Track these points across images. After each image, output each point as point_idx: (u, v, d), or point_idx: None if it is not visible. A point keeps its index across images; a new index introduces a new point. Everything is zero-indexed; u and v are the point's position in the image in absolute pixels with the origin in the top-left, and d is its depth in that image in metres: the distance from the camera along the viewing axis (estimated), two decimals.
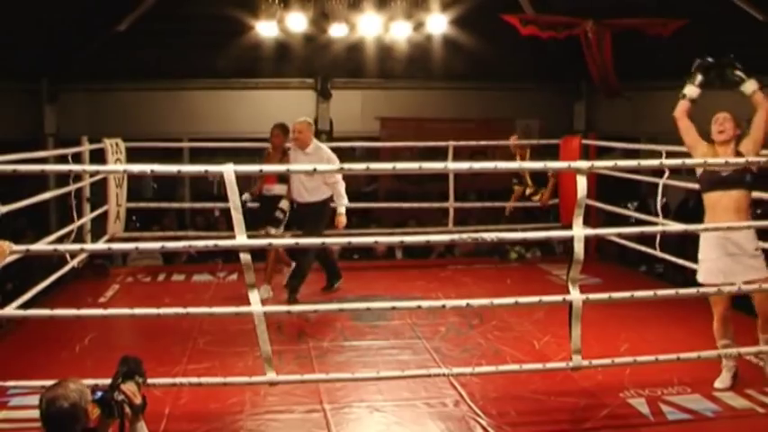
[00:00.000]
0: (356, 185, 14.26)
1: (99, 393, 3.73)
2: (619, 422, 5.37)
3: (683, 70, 6.10)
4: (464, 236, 5.78)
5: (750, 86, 6.04)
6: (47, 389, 3.58)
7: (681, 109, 6.30)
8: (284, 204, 8.47)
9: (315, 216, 8.39)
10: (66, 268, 8.09)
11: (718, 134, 6.01)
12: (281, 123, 8.77)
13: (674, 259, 8.31)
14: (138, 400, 3.80)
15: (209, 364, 6.36)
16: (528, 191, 10.17)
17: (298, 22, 11.27)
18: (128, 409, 3.76)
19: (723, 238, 5.63)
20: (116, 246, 5.53)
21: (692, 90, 6.30)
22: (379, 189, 14.04)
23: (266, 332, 5.25)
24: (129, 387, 3.79)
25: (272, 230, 8.41)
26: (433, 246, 11.34)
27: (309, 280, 8.45)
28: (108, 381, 3.81)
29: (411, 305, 6.33)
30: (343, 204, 8.42)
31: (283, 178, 8.46)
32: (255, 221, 8.06)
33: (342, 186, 8.38)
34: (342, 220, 8.43)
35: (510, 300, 5.71)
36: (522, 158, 9.87)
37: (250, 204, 8.52)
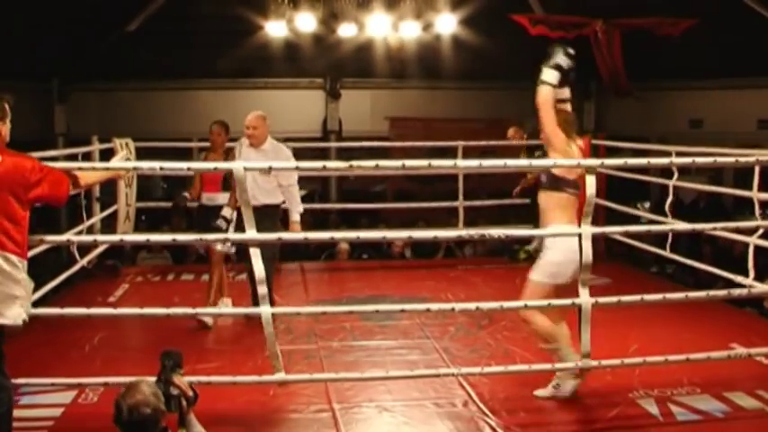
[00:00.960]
0: (365, 185, 14.32)
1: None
2: (628, 422, 5.36)
3: (693, 70, 6.07)
4: (472, 232, 5.77)
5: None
6: (123, 395, 3.60)
7: (548, 96, 6.04)
8: (227, 212, 7.42)
9: (271, 220, 7.42)
10: (76, 267, 8.10)
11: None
12: (220, 120, 8.19)
13: (684, 260, 8.28)
14: (190, 393, 3.82)
15: (219, 364, 6.36)
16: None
17: (307, 22, 11.28)
18: (184, 403, 3.78)
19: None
20: (130, 237, 5.55)
21: (551, 75, 6.13)
22: (388, 189, 14.04)
23: (274, 333, 5.25)
24: (181, 380, 3.81)
25: (218, 245, 7.29)
26: (442, 244, 11.32)
27: (319, 279, 8.44)
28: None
29: (420, 307, 6.31)
30: (297, 211, 7.58)
31: (227, 185, 7.52)
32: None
33: (297, 191, 7.65)
34: (297, 229, 7.50)
35: (519, 303, 5.69)
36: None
37: (190, 204, 7.92)
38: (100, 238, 5.05)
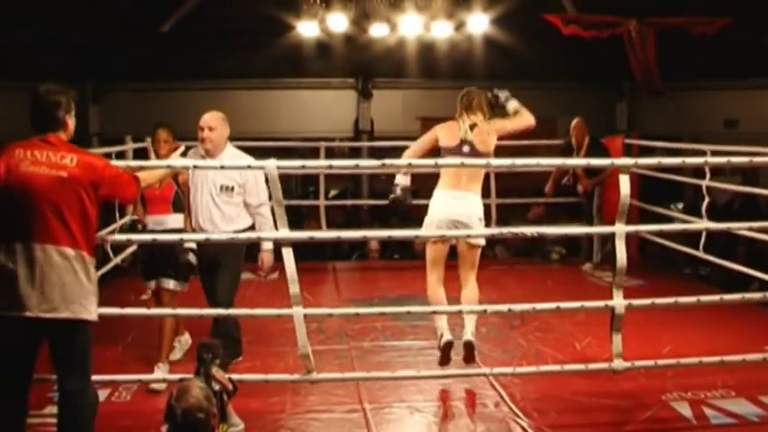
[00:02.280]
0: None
1: None
2: (661, 425, 5.33)
3: (727, 69, 6.04)
4: (504, 230, 5.76)
5: (512, 106, 6.73)
6: (176, 398, 3.66)
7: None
8: (191, 243, 6.01)
9: (235, 253, 6.24)
10: (110, 265, 8.16)
11: None
12: (165, 124, 6.80)
13: (718, 261, 8.21)
14: (230, 386, 3.85)
15: (251, 364, 6.38)
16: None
17: (339, 22, 11.29)
18: (225, 397, 3.81)
19: None
20: (163, 237, 5.57)
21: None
22: (420, 188, 14.01)
23: (305, 334, 5.25)
24: (220, 375, 3.84)
25: (172, 284, 6.22)
26: None
27: (350, 279, 8.42)
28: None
29: (452, 309, 6.31)
30: (269, 239, 6.10)
31: (179, 205, 6.32)
32: (148, 271, 6.34)
33: (269, 212, 6.07)
34: (267, 259, 6.31)
35: (551, 305, 5.67)
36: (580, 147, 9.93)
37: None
38: (134, 237, 5.08)
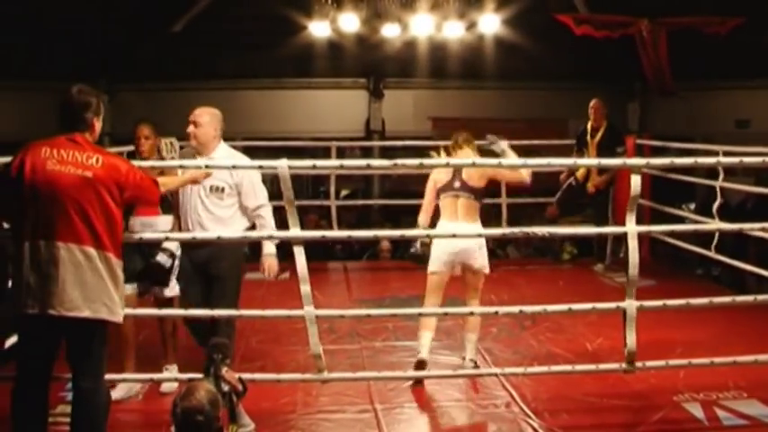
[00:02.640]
0: (407, 185, 14.29)
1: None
2: (672, 426, 5.32)
3: (739, 69, 6.03)
4: (515, 230, 5.76)
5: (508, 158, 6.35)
6: (181, 396, 3.67)
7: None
8: (171, 243, 5.71)
9: (230, 262, 5.78)
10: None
11: None
12: (146, 119, 6.32)
13: (730, 261, 8.18)
14: (240, 387, 3.85)
15: (262, 363, 6.39)
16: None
17: (350, 22, 11.30)
18: (234, 398, 3.81)
19: None
20: (182, 236, 5.56)
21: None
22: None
23: (317, 333, 5.26)
24: (230, 375, 3.84)
25: (157, 290, 5.97)
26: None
27: (361, 279, 8.42)
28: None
29: (464, 310, 6.30)
30: (273, 241, 5.81)
31: (168, 206, 5.88)
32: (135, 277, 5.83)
33: (270, 213, 5.81)
34: (272, 264, 5.85)
35: (563, 307, 5.66)
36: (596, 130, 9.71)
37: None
38: (146, 236, 5.09)
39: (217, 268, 5.73)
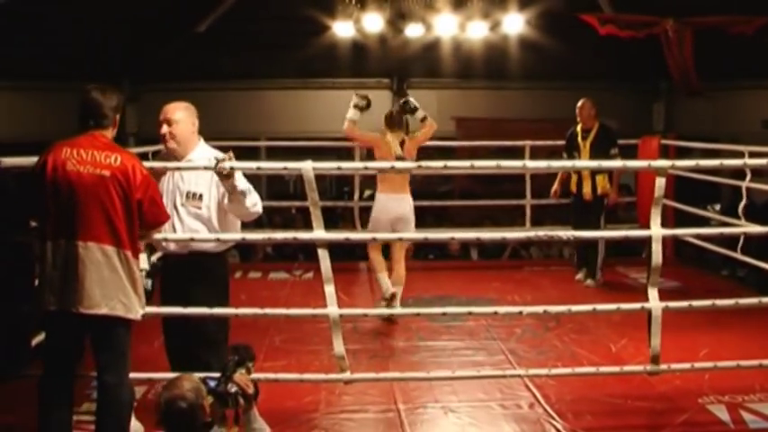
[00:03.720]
0: (431, 185, 14.31)
1: (212, 383, 3.82)
2: (697, 429, 5.29)
3: (766, 69, 5.98)
4: (540, 233, 5.75)
5: (420, 114, 8.32)
6: (163, 388, 3.76)
7: (349, 128, 8.34)
8: (143, 261, 4.79)
9: (209, 280, 5.18)
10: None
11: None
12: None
13: (756, 263, 8.13)
14: (250, 390, 3.88)
15: (285, 362, 6.42)
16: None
17: (374, 22, 11.30)
18: (242, 400, 3.84)
19: None
20: (200, 236, 5.52)
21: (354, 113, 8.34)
22: (454, 189, 14.00)
23: (341, 334, 5.27)
24: (241, 377, 3.87)
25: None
26: (508, 244, 11.28)
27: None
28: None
29: (488, 310, 6.30)
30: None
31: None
32: None
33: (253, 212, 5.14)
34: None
35: (588, 307, 5.65)
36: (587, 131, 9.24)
37: None
38: (170, 236, 5.10)
39: (196, 291, 5.10)
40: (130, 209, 4.51)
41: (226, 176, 4.88)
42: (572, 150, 9.11)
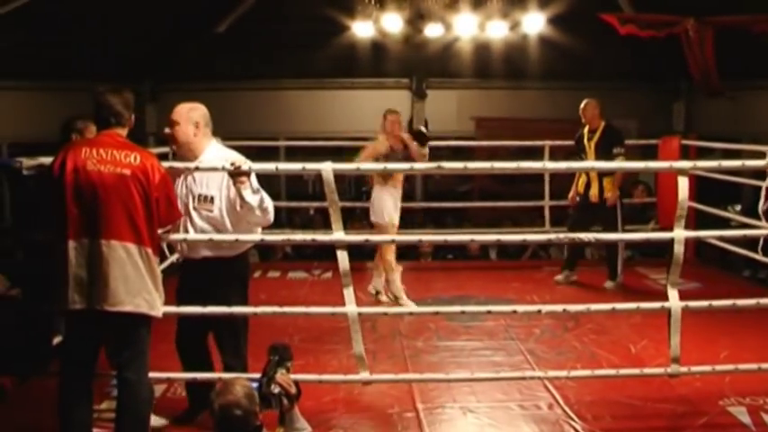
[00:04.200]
0: (451, 185, 14.31)
1: (255, 384, 3.83)
2: (718, 431, 5.25)
3: None
4: (561, 235, 5.73)
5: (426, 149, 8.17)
6: (217, 393, 3.75)
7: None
8: None
9: (225, 284, 5.17)
10: (167, 263, 8.24)
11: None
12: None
13: None
14: (293, 390, 3.89)
15: (304, 362, 6.41)
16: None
17: (394, 22, 11.31)
18: (285, 401, 3.85)
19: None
20: (219, 237, 5.46)
21: None
22: (474, 189, 13.98)
23: (360, 332, 5.29)
24: (283, 378, 3.88)
25: None
26: (528, 245, 11.26)
27: (403, 279, 8.39)
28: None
29: (507, 309, 6.29)
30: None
31: None
32: None
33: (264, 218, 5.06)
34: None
35: (607, 306, 5.63)
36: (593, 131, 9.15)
37: None
38: (190, 236, 5.11)
39: (209, 291, 5.11)
40: (150, 207, 4.55)
41: (240, 181, 4.85)
42: (580, 152, 9.05)
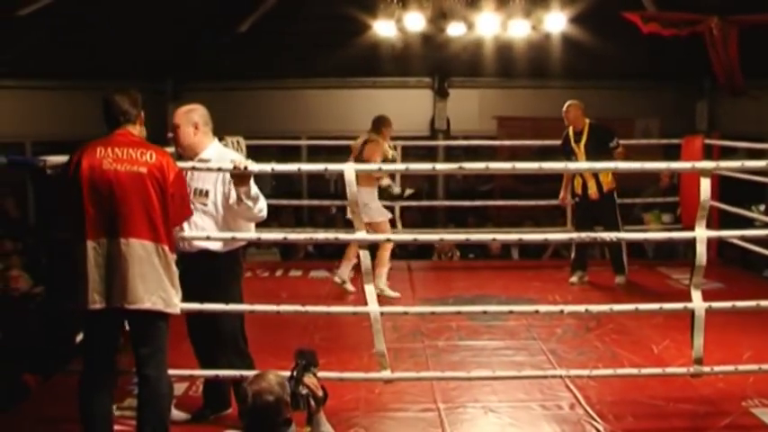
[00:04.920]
0: (473, 184, 14.32)
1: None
2: None
3: None
4: (582, 235, 5.72)
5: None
6: (250, 381, 3.81)
7: None
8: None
9: (225, 280, 5.28)
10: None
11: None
12: None
13: None
14: (320, 393, 3.93)
15: (325, 360, 6.35)
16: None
17: (416, 21, 11.29)
18: (312, 402, 3.89)
19: None
20: (241, 235, 5.46)
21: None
22: (495, 188, 13.97)
23: (381, 331, 5.30)
24: (310, 380, 3.92)
25: None
26: (549, 245, 11.25)
27: (425, 278, 8.41)
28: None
29: (529, 309, 6.28)
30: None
31: None
32: None
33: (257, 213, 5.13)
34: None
35: (630, 307, 5.62)
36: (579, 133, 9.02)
37: None
38: (213, 234, 5.14)
39: (211, 288, 5.19)
40: (166, 204, 4.58)
41: (242, 182, 4.95)
42: (569, 154, 8.90)
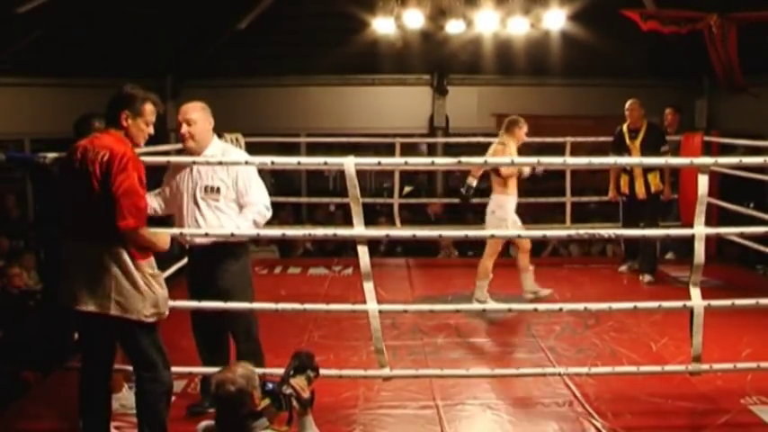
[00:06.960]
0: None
1: (270, 385, 3.89)
2: (739, 430, 5.23)
3: None
4: (581, 231, 5.72)
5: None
6: (218, 371, 3.89)
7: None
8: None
9: (234, 272, 5.41)
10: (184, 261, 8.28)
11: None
12: (98, 114, 5.03)
13: None
14: (305, 395, 3.94)
15: (324, 357, 6.41)
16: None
17: (415, 18, 11.28)
18: (295, 404, 3.89)
19: None
20: (241, 231, 5.49)
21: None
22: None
23: (380, 329, 5.30)
24: (298, 382, 3.93)
25: None
26: (549, 242, 11.24)
27: (423, 275, 8.41)
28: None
29: (528, 307, 6.28)
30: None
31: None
32: None
33: (256, 214, 5.36)
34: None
35: (628, 305, 5.61)
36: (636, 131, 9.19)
37: None
38: (211, 231, 5.13)
39: (221, 282, 5.36)
40: (118, 206, 4.39)
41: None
42: (621, 150, 9.06)
